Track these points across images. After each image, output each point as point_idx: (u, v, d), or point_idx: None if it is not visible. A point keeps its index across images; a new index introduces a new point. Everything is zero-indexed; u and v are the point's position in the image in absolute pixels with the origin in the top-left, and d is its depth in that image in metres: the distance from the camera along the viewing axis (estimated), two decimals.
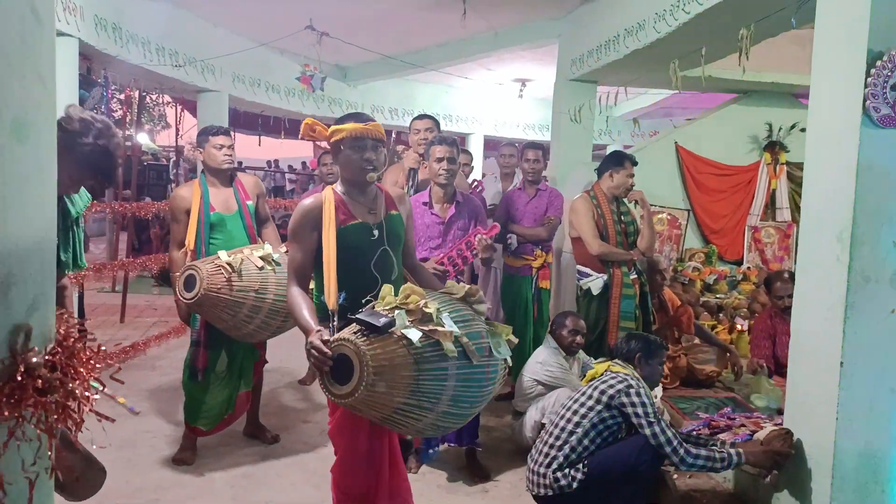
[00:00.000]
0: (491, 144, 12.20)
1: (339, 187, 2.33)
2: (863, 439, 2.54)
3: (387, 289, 2.04)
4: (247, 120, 10.55)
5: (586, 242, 3.92)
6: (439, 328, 1.90)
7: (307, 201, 2.29)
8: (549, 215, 4.45)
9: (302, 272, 2.26)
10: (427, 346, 1.88)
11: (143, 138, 12.79)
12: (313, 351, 1.90)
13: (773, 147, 6.24)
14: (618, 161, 4.03)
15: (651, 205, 5.91)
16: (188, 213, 3.38)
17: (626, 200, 4.12)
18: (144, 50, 6.23)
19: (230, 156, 3.46)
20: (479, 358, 1.97)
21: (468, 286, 2.16)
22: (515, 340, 2.22)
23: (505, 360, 2.14)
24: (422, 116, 3.90)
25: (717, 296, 5.60)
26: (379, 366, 1.81)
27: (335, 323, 2.14)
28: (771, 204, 6.31)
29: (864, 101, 2.47)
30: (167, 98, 11.90)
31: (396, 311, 1.91)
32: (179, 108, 10.80)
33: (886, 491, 2.58)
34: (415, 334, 1.86)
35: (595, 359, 3.47)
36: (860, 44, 2.49)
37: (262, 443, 3.70)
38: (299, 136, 2.47)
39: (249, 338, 3.35)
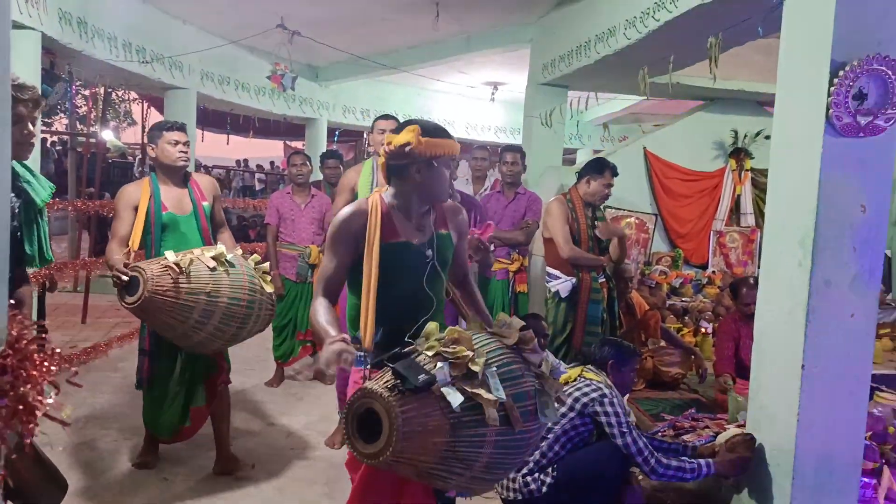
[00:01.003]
0: (463, 147, 12.21)
1: (388, 197, 2.11)
2: (822, 441, 2.58)
3: (432, 327, 1.83)
4: (215, 118, 10.41)
5: (558, 245, 3.94)
6: (484, 393, 1.69)
7: (349, 208, 2.10)
8: (527, 219, 4.46)
9: (331, 287, 2.07)
10: (467, 411, 1.68)
11: (107, 135, 12.53)
12: (337, 360, 1.76)
13: (739, 154, 6.35)
14: (598, 168, 4.05)
15: (619, 209, 6.03)
16: (135, 209, 3.13)
17: (601, 207, 4.16)
18: (111, 45, 6.09)
19: (185, 153, 3.23)
20: (522, 424, 1.77)
21: (522, 332, 1.91)
22: (565, 401, 2.05)
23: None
24: (386, 116, 3.79)
25: (683, 299, 5.68)
26: (411, 430, 1.62)
27: (368, 367, 1.94)
28: (736, 209, 6.42)
29: (828, 109, 2.52)
30: (133, 95, 11.68)
31: (438, 365, 1.70)
32: (146, 105, 10.60)
33: (844, 491, 2.63)
34: (456, 398, 1.66)
35: (562, 362, 3.48)
36: (824, 54, 2.54)
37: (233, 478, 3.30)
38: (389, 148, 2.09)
39: (202, 347, 3.08)
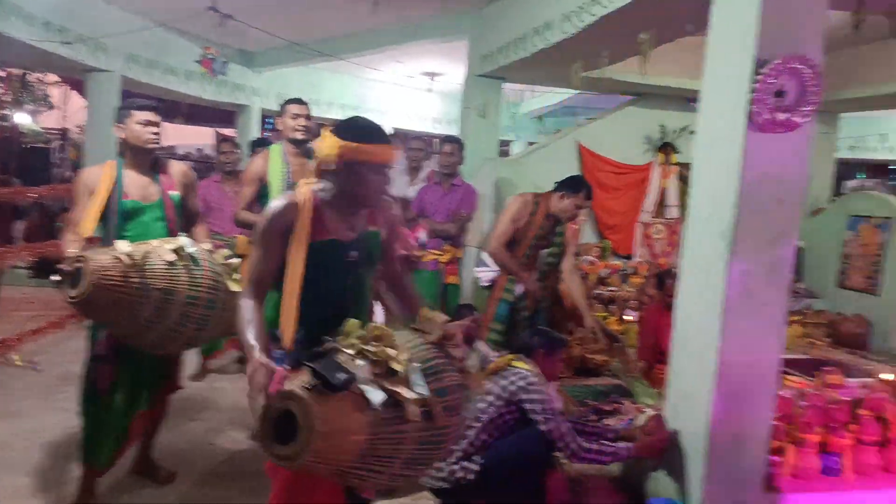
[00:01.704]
0: (399, 137, 12.16)
1: (319, 192, 2.01)
2: (735, 423, 2.70)
3: (352, 325, 1.78)
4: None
5: (492, 236, 3.96)
6: (405, 391, 1.66)
7: (281, 202, 1.99)
8: (462, 211, 4.46)
9: (262, 287, 1.98)
10: (388, 409, 1.64)
11: (23, 119, 11.86)
12: (255, 384, 1.70)
13: (666, 148, 6.56)
14: (574, 187, 3.97)
15: None
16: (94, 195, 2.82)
17: (564, 225, 4.09)
18: (29, 24, 5.76)
19: (157, 135, 2.92)
20: (444, 420, 1.75)
21: (445, 328, 1.89)
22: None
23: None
24: (297, 101, 3.56)
25: (610, 288, 5.83)
26: (329, 430, 1.56)
27: (287, 367, 1.85)
28: (662, 202, 6.63)
29: (749, 106, 2.62)
30: (53, 77, 11.10)
31: (359, 363, 1.67)
32: (66, 88, 10.08)
33: (753, 469, 2.76)
34: (376, 396, 1.62)
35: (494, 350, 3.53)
36: (748, 51, 2.63)
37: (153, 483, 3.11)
38: (314, 149, 2.03)
39: (156, 348, 2.78)
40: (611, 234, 6.51)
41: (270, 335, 1.96)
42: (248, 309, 1.93)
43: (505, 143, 12.00)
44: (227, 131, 10.43)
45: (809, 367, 4.32)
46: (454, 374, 1.84)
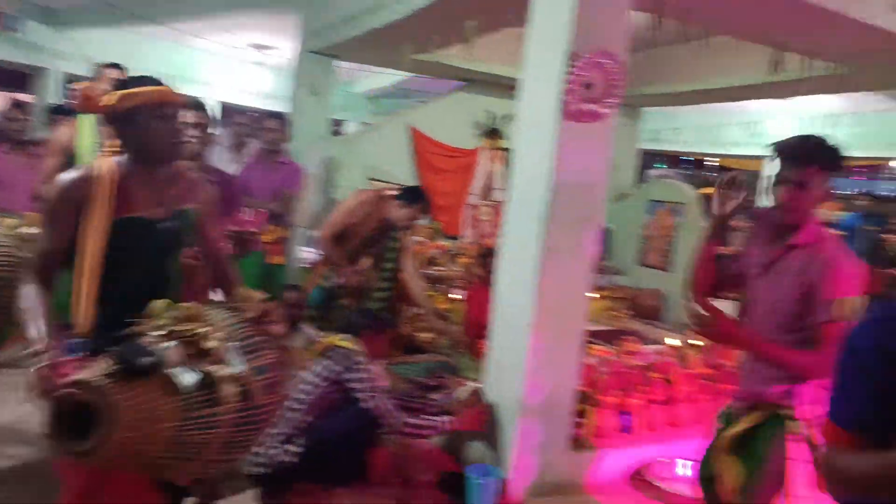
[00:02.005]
0: (226, 113, 11.54)
1: (123, 163, 1.86)
2: (545, 390, 2.93)
3: (158, 306, 1.67)
4: None
5: (325, 223, 3.96)
6: (218, 370, 1.57)
7: (72, 174, 1.83)
8: (286, 189, 4.34)
9: (48, 269, 1.80)
10: (200, 391, 1.54)
11: None
12: (39, 378, 1.54)
13: (493, 133, 6.85)
14: (412, 199, 4.09)
15: (383, 181, 6.18)
16: None
17: (399, 232, 4.15)
18: None
19: None
20: (262, 397, 1.66)
21: (262, 305, 1.80)
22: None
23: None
24: (115, 65, 3.34)
25: (438, 268, 6.01)
26: (132, 420, 1.44)
27: (83, 354, 1.71)
28: (489, 185, 6.94)
29: (562, 96, 2.82)
30: None
31: (167, 345, 1.56)
32: None
33: (559, 431, 3.02)
34: (187, 378, 1.52)
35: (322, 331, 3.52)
36: (562, 46, 2.82)
37: None
38: (76, 108, 1.86)
39: None
40: (440, 216, 6.69)
41: (64, 325, 1.79)
42: (31, 294, 1.76)
43: (338, 123, 11.84)
44: (24, 97, 9.28)
45: (612, 337, 4.78)
46: (273, 351, 1.79)
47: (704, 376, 3.90)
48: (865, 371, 1.16)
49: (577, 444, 3.17)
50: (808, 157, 1.97)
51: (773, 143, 2.07)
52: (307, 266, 3.95)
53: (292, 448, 2.60)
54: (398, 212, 4.05)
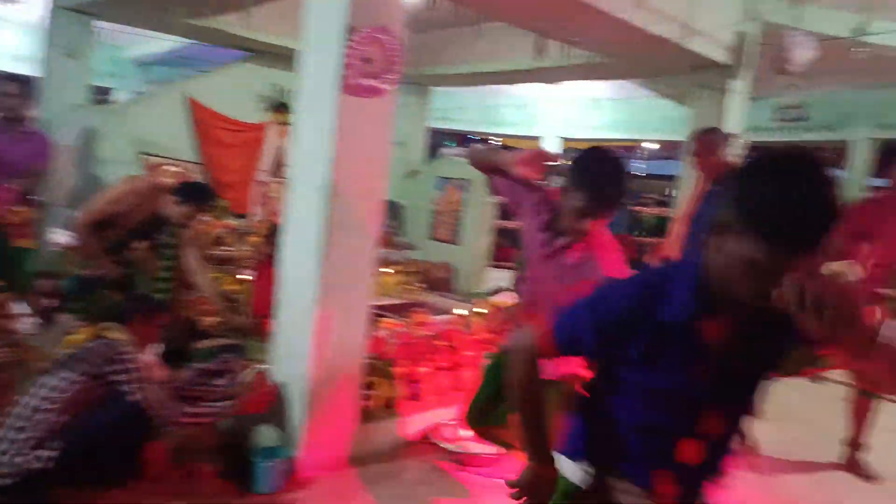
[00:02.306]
0: None
1: None
2: (331, 364, 2.93)
3: None
4: None
5: (85, 207, 3.57)
6: None
7: None
8: (32, 163, 3.82)
9: None
10: None
11: None
12: None
13: (280, 108, 6.62)
14: (192, 196, 3.76)
15: (158, 156, 5.71)
16: None
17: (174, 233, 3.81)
18: None
19: None
20: None
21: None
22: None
23: None
24: None
25: (226, 248, 5.72)
26: None
27: None
28: (279, 161, 6.71)
29: (341, 70, 2.79)
30: None
31: None
32: None
33: (346, 404, 3.05)
34: None
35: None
36: (339, 18, 2.77)
37: None
38: None
39: None
40: (227, 193, 6.34)
41: None
42: None
43: (103, 91, 10.67)
44: None
45: (404, 310, 4.92)
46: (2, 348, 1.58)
47: (486, 340, 4.17)
48: (607, 317, 1.31)
49: (368, 415, 3.23)
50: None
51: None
52: (62, 250, 3.52)
53: (45, 453, 2.29)
54: (173, 208, 3.72)
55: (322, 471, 2.96)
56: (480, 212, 6.74)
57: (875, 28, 4.38)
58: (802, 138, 8.15)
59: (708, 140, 3.46)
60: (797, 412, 4.38)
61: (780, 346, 1.30)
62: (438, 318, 4.92)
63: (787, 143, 8.92)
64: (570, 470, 1.48)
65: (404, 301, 5.87)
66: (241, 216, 6.37)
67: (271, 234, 4.69)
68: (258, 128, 6.57)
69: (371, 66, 2.85)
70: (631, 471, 1.28)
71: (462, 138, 13.96)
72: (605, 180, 2.04)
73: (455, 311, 4.66)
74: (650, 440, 1.30)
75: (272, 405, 2.96)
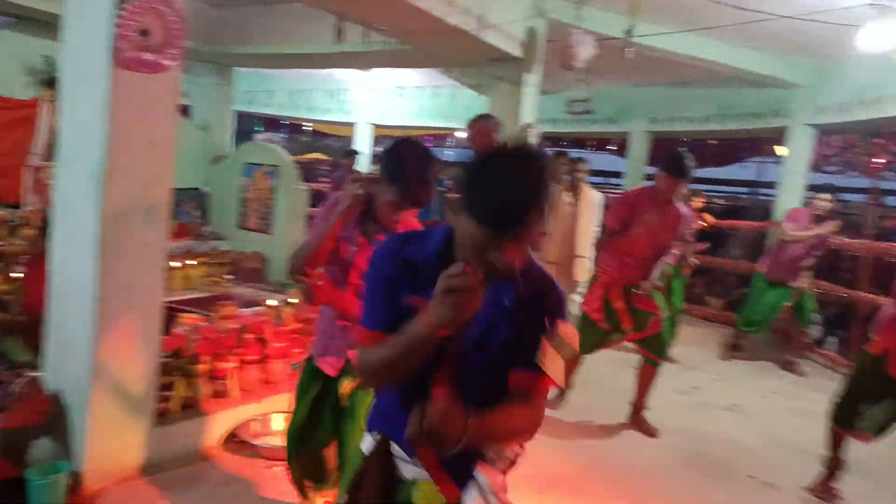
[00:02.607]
0: None
1: None
2: (119, 368, 2.68)
3: None
4: None
5: None
6: None
7: None
8: None
9: None
10: None
11: None
12: None
13: (54, 83, 5.90)
14: None
15: None
16: None
17: None
18: None
19: None
20: None
21: None
22: None
23: None
24: None
25: None
26: None
27: None
28: (54, 143, 6.00)
29: (111, 41, 2.52)
30: None
31: None
32: None
33: (141, 409, 2.81)
34: None
35: None
36: None
37: None
38: None
39: None
40: None
41: None
42: None
43: None
44: None
45: (210, 303, 4.63)
46: None
47: (296, 331, 4.06)
48: (383, 278, 1.40)
49: (166, 417, 3.00)
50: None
51: None
52: None
53: None
54: None
55: (111, 482, 2.70)
56: (292, 199, 6.52)
57: (641, 30, 4.86)
58: (590, 130, 8.91)
59: (481, 126, 3.63)
60: (598, 380, 4.77)
61: (527, 320, 1.36)
62: (248, 310, 4.71)
63: (573, 133, 9.69)
64: (365, 442, 1.53)
65: (211, 294, 5.54)
66: (14, 206, 5.61)
67: (47, 226, 4.17)
68: (29, 105, 5.80)
69: (149, 39, 2.61)
70: (400, 435, 1.29)
71: (272, 123, 13.46)
72: (413, 172, 2.05)
73: (267, 302, 4.49)
74: (409, 400, 1.32)
75: (48, 416, 2.63)
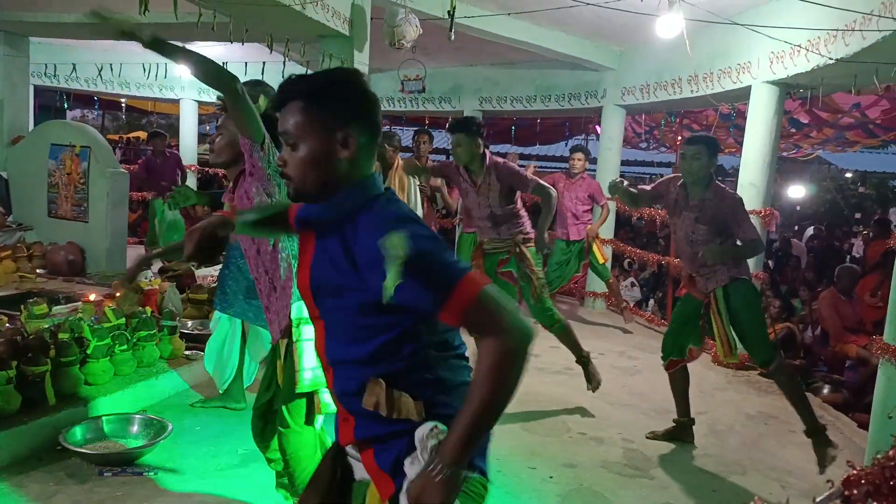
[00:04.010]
0: None
1: None
2: None
3: None
4: None
5: None
6: None
7: None
8: None
9: None
10: None
11: None
12: None
13: None
14: None
15: None
16: None
17: None
18: None
19: None
20: None
21: None
22: None
23: None
24: None
25: None
26: None
27: None
28: None
29: None
30: None
31: None
32: None
33: None
34: None
35: None
36: None
37: None
38: None
39: None
40: None
41: None
42: None
43: None
44: None
45: (19, 302, 4.20)
46: None
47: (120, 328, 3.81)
48: None
49: None
50: None
51: None
52: None
53: None
54: None
55: None
56: (110, 183, 5.96)
57: (463, 11, 5.02)
58: (426, 108, 9.06)
59: None
60: None
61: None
62: (64, 307, 4.33)
63: (410, 112, 9.83)
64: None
65: (18, 291, 5.02)
66: None
67: None
68: None
69: None
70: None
71: (86, 99, 12.20)
72: None
73: (91, 297, 4.15)
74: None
75: None
